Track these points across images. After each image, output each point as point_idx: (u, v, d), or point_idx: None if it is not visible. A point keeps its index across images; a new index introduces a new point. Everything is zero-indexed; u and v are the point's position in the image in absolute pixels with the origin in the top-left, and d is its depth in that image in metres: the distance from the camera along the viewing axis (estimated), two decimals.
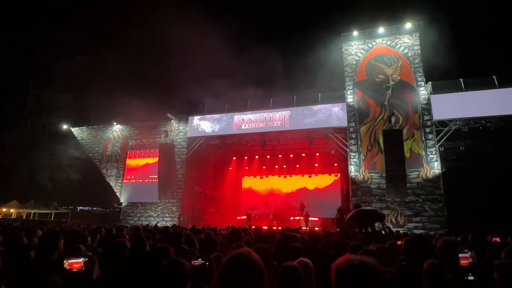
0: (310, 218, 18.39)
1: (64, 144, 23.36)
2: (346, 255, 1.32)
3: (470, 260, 2.06)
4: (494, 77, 15.18)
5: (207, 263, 2.56)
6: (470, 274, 1.98)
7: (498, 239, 5.89)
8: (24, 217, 21.03)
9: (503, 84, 14.95)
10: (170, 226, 10.65)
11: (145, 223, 18.03)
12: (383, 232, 8.05)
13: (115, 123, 22.00)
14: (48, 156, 23.64)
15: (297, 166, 23.14)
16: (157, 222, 15.87)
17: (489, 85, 15.16)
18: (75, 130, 23.22)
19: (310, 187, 24.23)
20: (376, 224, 9.26)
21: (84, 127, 23.10)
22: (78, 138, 23.08)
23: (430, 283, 2.25)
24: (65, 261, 2.15)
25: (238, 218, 21.21)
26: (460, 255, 2.11)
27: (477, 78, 15.63)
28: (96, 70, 25.98)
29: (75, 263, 2.13)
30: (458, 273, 2.10)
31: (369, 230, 8.26)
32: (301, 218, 18.85)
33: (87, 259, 2.16)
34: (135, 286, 2.95)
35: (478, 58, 22.44)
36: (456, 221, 13.79)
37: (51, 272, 2.40)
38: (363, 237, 6.15)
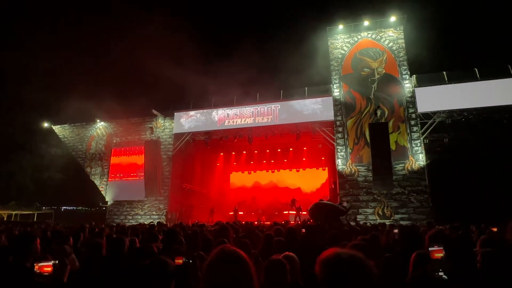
0: (303, 213, 18.48)
1: (45, 142, 22.66)
2: (332, 248, 1.28)
3: (442, 254, 2.03)
4: (476, 69, 15.50)
5: (191, 261, 2.47)
6: (440, 270, 1.95)
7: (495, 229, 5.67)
8: (5, 219, 20.44)
9: (484, 76, 15.29)
10: (155, 224, 10.44)
11: (132, 221, 17.80)
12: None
13: (98, 120, 21.46)
14: (28, 156, 22.93)
15: (285, 160, 23.19)
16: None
17: (471, 78, 15.46)
18: (56, 128, 22.51)
19: (299, 181, 24.36)
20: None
21: (66, 125, 22.41)
22: (60, 136, 22.38)
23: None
24: (35, 265, 2.01)
25: (231, 213, 21.11)
26: (431, 248, 2.07)
27: (460, 71, 15.93)
28: (77, 66, 25.25)
29: (45, 266, 1.99)
30: (428, 268, 2.08)
31: (352, 224, 8.40)
32: (289, 212, 18.92)
33: (57, 261, 2.02)
34: (115, 286, 2.83)
35: (461, 51, 22.92)
36: (440, 211, 14.11)
37: (22, 277, 2.24)
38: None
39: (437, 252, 2.03)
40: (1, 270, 2.40)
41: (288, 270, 2.18)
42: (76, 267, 3.36)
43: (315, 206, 9.63)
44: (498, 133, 15.33)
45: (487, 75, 15.27)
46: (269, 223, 12.27)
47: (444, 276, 1.94)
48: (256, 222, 13.15)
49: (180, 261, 2.37)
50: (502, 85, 14.90)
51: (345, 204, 10.94)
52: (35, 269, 2.01)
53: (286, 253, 2.58)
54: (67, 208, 27.20)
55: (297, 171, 24.09)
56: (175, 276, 2.18)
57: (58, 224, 11.79)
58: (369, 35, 17.45)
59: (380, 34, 17.27)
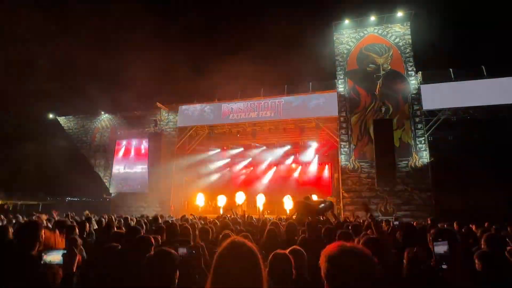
0: None
1: (50, 133, 22.85)
2: (337, 242, 1.29)
3: (446, 249, 2.06)
4: (483, 67, 15.32)
5: (194, 252, 2.51)
6: (444, 263, 1.99)
7: None
8: (10, 209, 20.66)
9: (491, 74, 15.10)
10: (158, 216, 10.49)
11: (135, 213, 17.95)
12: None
13: (102, 112, 21.55)
14: (33, 147, 23.10)
15: (288, 155, 23.13)
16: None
17: (478, 75, 15.29)
18: (61, 119, 22.65)
19: (301, 176, 24.32)
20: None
21: (70, 117, 22.54)
22: (65, 128, 22.54)
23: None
24: (43, 254, 2.04)
25: (231, 208, 21.16)
26: (436, 243, 2.10)
27: (466, 68, 15.73)
28: (83, 57, 25.31)
29: (54, 256, 2.01)
30: (433, 262, 2.12)
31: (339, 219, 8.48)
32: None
33: (66, 251, 2.05)
34: (121, 277, 2.88)
35: (467, 48, 22.63)
36: (443, 209, 14.06)
37: (30, 267, 2.25)
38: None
39: (441, 247, 2.06)
40: (6, 260, 2.41)
41: (292, 265, 2.19)
42: (83, 257, 3.42)
43: (298, 204, 9.81)
44: (504, 132, 15.19)
45: (494, 73, 15.07)
46: (274, 216, 12.34)
47: (447, 269, 1.98)
48: (258, 216, 13.23)
49: (185, 251, 2.41)
50: (509, 83, 14.73)
51: (327, 202, 10.97)
52: (44, 258, 2.04)
53: (294, 247, 2.59)
54: (72, 199, 27.44)
55: (300, 165, 24.04)
56: (179, 266, 2.22)
57: (64, 215, 11.90)
58: (375, 31, 17.27)
59: (387, 30, 17.08)
